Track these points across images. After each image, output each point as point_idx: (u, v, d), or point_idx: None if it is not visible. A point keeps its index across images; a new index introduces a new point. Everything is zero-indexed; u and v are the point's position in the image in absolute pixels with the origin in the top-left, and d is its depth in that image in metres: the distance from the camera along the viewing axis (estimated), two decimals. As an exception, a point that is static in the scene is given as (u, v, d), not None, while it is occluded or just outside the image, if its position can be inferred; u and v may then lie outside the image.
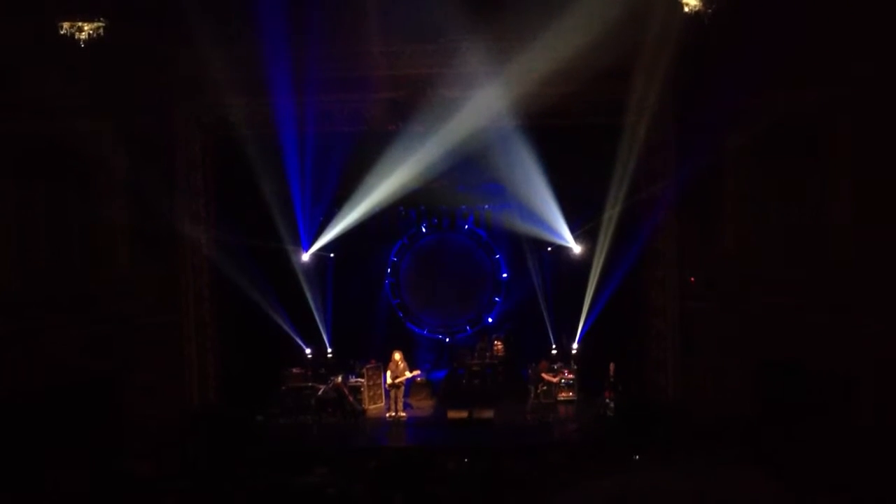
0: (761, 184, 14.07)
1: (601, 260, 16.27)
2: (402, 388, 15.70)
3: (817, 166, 13.02)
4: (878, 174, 11.88)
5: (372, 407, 16.27)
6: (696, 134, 14.18)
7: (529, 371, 16.39)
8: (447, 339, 19.75)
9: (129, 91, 14.05)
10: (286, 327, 17.00)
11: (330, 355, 17.61)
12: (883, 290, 11.63)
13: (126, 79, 13.92)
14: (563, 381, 16.33)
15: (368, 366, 16.48)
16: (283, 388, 15.95)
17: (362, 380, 16.31)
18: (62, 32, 11.40)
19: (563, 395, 16.29)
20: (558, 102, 14.61)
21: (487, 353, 17.78)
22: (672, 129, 14.91)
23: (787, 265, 13.52)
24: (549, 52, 13.90)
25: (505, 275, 19.63)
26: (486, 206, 18.76)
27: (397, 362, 15.62)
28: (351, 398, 15.91)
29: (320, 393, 15.73)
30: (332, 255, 18.35)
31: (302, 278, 17.39)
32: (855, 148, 12.36)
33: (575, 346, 17.11)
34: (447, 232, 19.70)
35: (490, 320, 19.71)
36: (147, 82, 14.29)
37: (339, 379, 16.12)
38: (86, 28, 11.46)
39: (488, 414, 15.18)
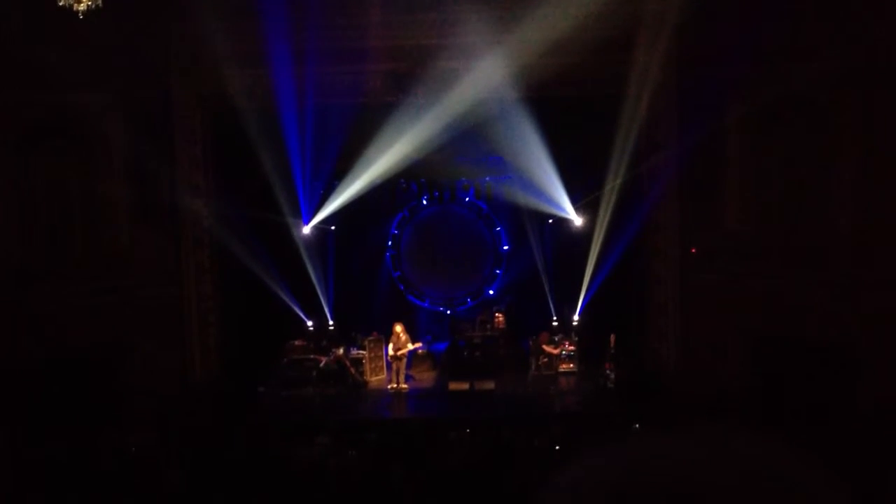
0: (764, 156, 13.99)
1: (602, 232, 16.25)
2: (404, 360, 15.74)
3: (821, 139, 12.95)
4: (883, 148, 11.81)
5: (374, 379, 16.33)
6: (699, 105, 14.08)
7: (530, 343, 16.44)
8: (448, 312, 19.81)
9: (129, 63, 13.99)
10: (287, 300, 17.04)
11: (331, 327, 17.68)
12: (886, 264, 11.61)
13: (125, 51, 13.85)
14: (563, 352, 16.37)
15: (370, 338, 16.52)
16: (285, 360, 15.99)
17: (364, 352, 16.36)
18: (60, 4, 11.31)
19: (563, 367, 16.32)
20: (559, 73, 14.50)
21: (488, 326, 17.82)
22: (674, 100, 14.81)
23: (790, 238, 13.49)
24: (550, 22, 13.83)
25: (506, 247, 19.65)
26: (487, 179, 18.73)
27: (399, 335, 15.66)
28: (353, 370, 15.97)
29: (322, 365, 15.79)
30: (332, 227, 18.37)
31: (303, 251, 17.41)
32: (860, 121, 12.27)
33: (576, 317, 17.14)
34: (448, 204, 19.70)
35: (491, 292, 19.76)
36: (146, 55, 14.23)
37: (341, 351, 16.18)
38: (84, -1, 11.36)
39: (489, 385, 15.24)
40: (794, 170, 13.50)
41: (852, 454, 9.81)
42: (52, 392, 12.94)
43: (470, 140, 16.21)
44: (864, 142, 12.12)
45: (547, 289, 18.02)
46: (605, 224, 16.18)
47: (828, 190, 12.80)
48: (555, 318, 17.66)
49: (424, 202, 19.63)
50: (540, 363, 16.14)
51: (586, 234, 16.93)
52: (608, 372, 15.21)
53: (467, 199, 19.47)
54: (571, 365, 16.38)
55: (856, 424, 11.13)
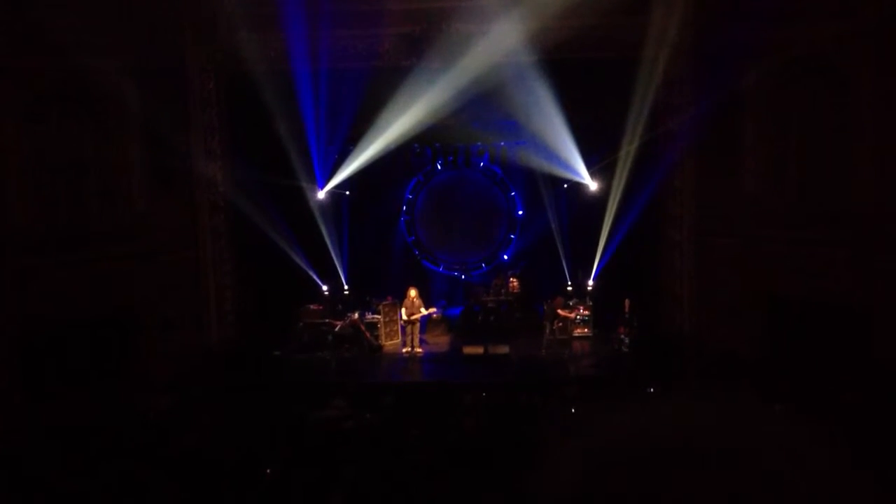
0: (781, 119, 13.88)
1: (617, 196, 16.20)
2: (418, 324, 15.82)
3: (839, 100, 12.82)
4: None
5: (388, 343, 16.43)
6: (715, 68, 13.95)
7: (545, 307, 16.46)
8: (463, 277, 19.86)
9: (143, 27, 13.96)
10: (303, 264, 17.11)
11: (346, 292, 17.75)
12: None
13: (139, 15, 13.82)
14: (578, 317, 16.41)
15: (385, 302, 16.59)
16: (301, 324, 16.10)
17: (379, 316, 16.44)
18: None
19: (578, 331, 16.37)
20: (576, 36, 14.38)
21: (503, 290, 17.86)
22: (691, 63, 14.69)
23: (805, 201, 13.42)
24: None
25: (520, 212, 19.63)
26: (502, 143, 18.62)
27: (412, 299, 15.72)
28: (368, 334, 16.06)
29: (337, 329, 15.89)
30: (347, 192, 18.38)
31: (318, 216, 17.44)
32: (877, 82, 12.13)
33: (590, 282, 17.16)
34: (462, 169, 19.65)
35: (505, 257, 19.78)
36: (160, 18, 14.19)
37: (356, 315, 16.27)
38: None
39: (504, 350, 15.29)
40: (812, 132, 13.39)
41: (867, 414, 9.82)
42: (70, 356, 13.09)
43: (485, 104, 16.11)
44: (881, 103, 11.98)
45: (562, 253, 18.03)
46: (620, 188, 16.12)
47: (845, 152, 12.69)
48: (569, 282, 17.69)
49: (439, 167, 19.59)
50: (554, 327, 16.17)
51: (601, 199, 16.89)
52: (622, 336, 15.25)
53: (482, 163, 19.41)
54: (586, 329, 16.44)
55: (871, 385, 11.12)
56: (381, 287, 17.56)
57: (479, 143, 18.76)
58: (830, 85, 13.01)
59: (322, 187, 17.49)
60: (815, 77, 13.25)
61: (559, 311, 16.21)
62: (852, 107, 12.55)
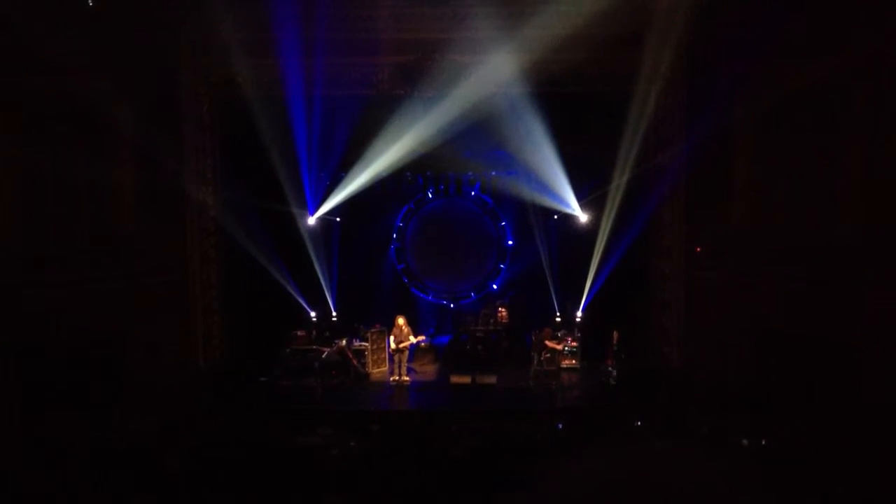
0: (771, 154, 13.99)
1: (607, 228, 16.24)
2: (406, 352, 15.76)
3: (828, 138, 12.93)
4: (890, 148, 11.77)
5: (376, 371, 16.36)
6: (707, 103, 14.09)
7: (533, 338, 16.43)
8: (451, 305, 19.85)
9: (138, 50, 14.02)
10: (291, 290, 17.07)
11: (335, 319, 17.70)
12: (890, 263, 11.58)
13: (134, 38, 13.89)
14: (566, 348, 16.37)
15: (372, 330, 16.55)
16: (288, 350, 16.02)
17: (366, 344, 16.39)
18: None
19: (566, 363, 16.33)
20: (568, 69, 14.56)
21: (491, 320, 17.84)
22: (683, 97, 14.84)
23: (795, 237, 13.48)
24: (560, 18, 13.84)
25: (510, 242, 19.67)
26: (493, 173, 18.70)
27: (401, 327, 15.67)
28: (355, 361, 15.99)
29: (324, 356, 15.81)
30: (338, 219, 18.39)
31: (308, 242, 17.44)
32: (866, 120, 12.25)
33: (579, 313, 17.14)
34: (453, 198, 19.70)
35: (495, 287, 19.78)
36: (155, 42, 14.25)
37: (343, 342, 16.19)
38: (94, -14, 11.41)
39: (491, 380, 15.24)
40: (801, 168, 13.49)
41: (855, 450, 9.83)
42: (56, 377, 13.00)
43: (477, 134, 16.17)
44: (871, 141, 12.08)
45: (551, 284, 18.04)
46: (610, 221, 16.17)
47: (834, 188, 12.78)
48: (558, 313, 17.68)
49: (430, 195, 19.64)
50: (542, 358, 16.12)
51: (591, 231, 16.93)
52: (610, 368, 15.22)
53: (473, 193, 19.48)
54: (573, 361, 16.40)
55: (859, 421, 11.12)
56: (369, 314, 17.52)
57: (470, 173, 18.84)
58: (820, 121, 13.13)
59: (313, 213, 17.50)
60: (805, 113, 13.37)
61: (547, 341, 16.17)
62: (842, 143, 12.66)
